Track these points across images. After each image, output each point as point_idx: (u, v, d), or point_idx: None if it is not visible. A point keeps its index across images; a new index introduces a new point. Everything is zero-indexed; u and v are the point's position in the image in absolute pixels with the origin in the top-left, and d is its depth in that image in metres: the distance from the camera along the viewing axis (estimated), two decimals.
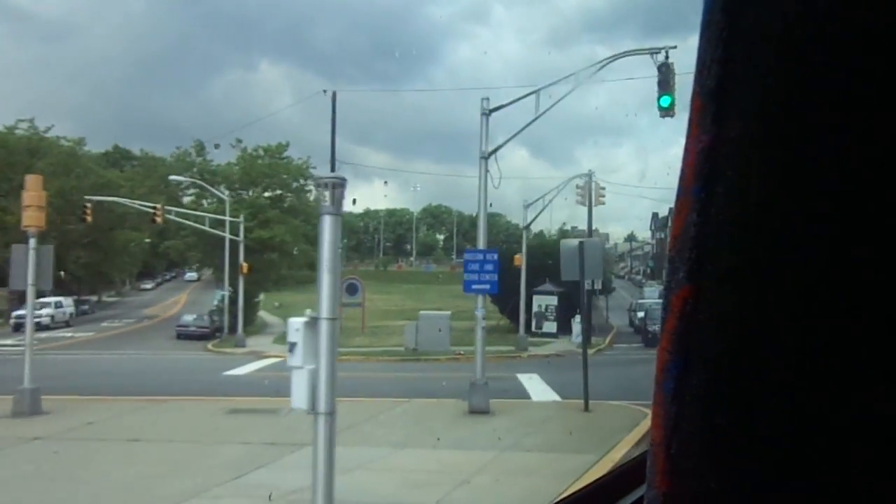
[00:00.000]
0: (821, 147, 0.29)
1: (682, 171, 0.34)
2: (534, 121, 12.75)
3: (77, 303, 57.06)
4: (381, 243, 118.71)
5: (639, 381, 18.76)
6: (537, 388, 16.79)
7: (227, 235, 31.65)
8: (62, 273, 54.51)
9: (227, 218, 32.21)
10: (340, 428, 12.04)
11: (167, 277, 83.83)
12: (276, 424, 11.57)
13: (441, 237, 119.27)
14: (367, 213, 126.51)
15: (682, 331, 0.32)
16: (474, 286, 12.74)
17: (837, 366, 0.28)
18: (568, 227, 36.98)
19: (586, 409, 13.06)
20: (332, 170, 30.95)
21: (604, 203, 26.81)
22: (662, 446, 0.32)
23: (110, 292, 77.74)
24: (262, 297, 66.89)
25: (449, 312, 28.04)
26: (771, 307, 0.30)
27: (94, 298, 67.48)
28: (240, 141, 45.32)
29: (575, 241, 13.44)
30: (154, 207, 28.89)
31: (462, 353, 25.72)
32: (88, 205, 28.93)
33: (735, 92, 0.32)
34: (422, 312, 27.60)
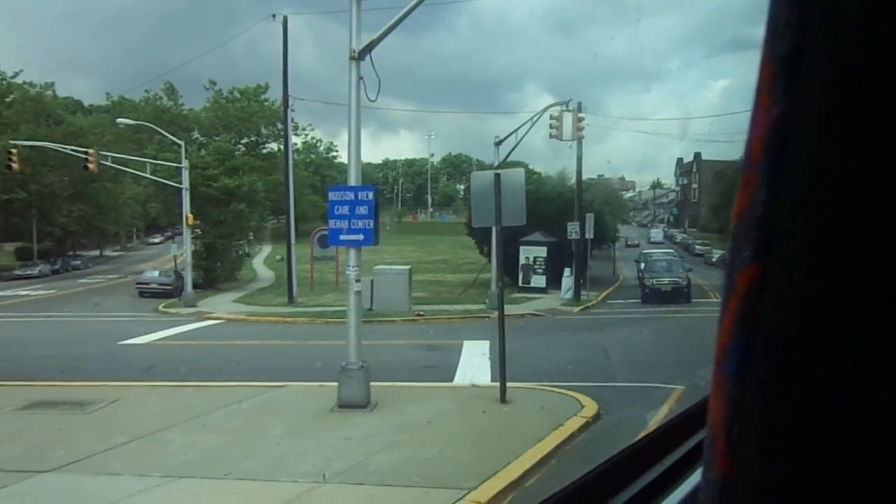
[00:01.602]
0: None
1: (748, 143, 0.32)
2: (419, 3, 9.03)
3: (69, 258, 55.52)
4: (399, 194, 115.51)
5: (609, 349, 15.32)
6: (472, 363, 13.46)
7: (185, 187, 28.46)
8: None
9: (184, 166, 28.98)
10: (134, 435, 8.96)
11: (179, 231, 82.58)
12: (57, 429, 8.50)
13: (461, 187, 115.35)
14: (387, 164, 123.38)
15: (748, 312, 0.31)
16: (342, 237, 9.27)
17: None
18: (568, 172, 32.77)
19: (503, 399, 9.72)
20: (286, 106, 27.45)
21: (583, 136, 22.76)
22: (723, 429, 0.31)
23: (115, 247, 76.64)
24: (259, 248, 64.56)
25: (408, 267, 24.69)
26: (846, 290, 0.28)
27: (95, 253, 66.15)
28: (213, 83, 42.06)
29: (489, 174, 9.82)
30: (86, 152, 25.75)
31: (423, 313, 22.52)
32: (13, 150, 25.84)
33: (811, 60, 0.29)
34: (377, 267, 24.29)
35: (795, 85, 0.30)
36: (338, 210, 9.23)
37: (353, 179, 9.39)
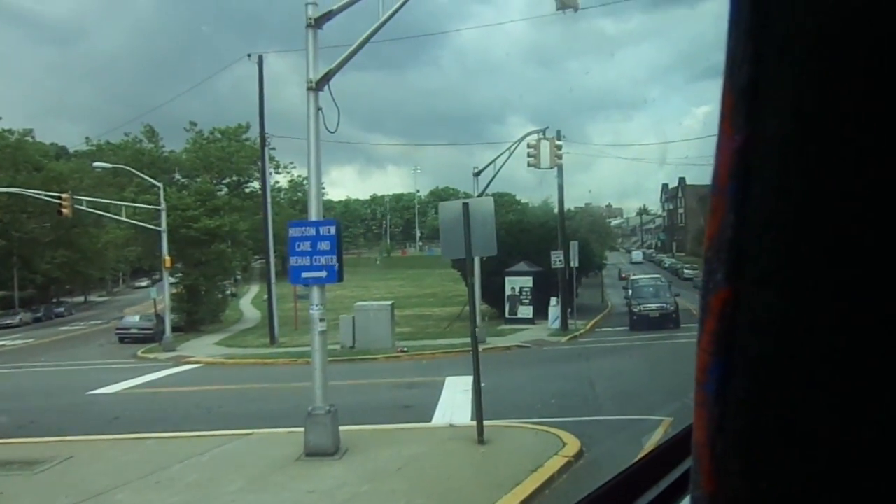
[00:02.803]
0: (861, 144, 0.29)
1: (716, 170, 0.33)
2: (382, 24, 8.76)
3: (52, 305, 54.55)
4: (387, 229, 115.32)
5: (595, 380, 14.79)
6: (453, 400, 12.93)
7: (163, 229, 27.97)
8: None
9: (161, 208, 28.54)
10: (81, 497, 8.19)
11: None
12: None
13: None
14: (375, 199, 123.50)
15: (724, 333, 0.32)
16: (304, 274, 8.83)
17: (884, 366, 0.28)
18: (552, 201, 32.30)
19: (480, 440, 9.20)
20: (262, 144, 27.21)
21: (560, 163, 22.50)
22: (707, 447, 0.32)
23: (101, 292, 75.57)
24: (247, 288, 63.61)
25: (390, 303, 24.16)
26: (814, 309, 0.29)
27: (80, 299, 65.12)
28: (194, 124, 41.94)
29: (457, 204, 9.46)
30: (59, 197, 25.30)
31: (406, 349, 21.95)
32: None
33: (768, 90, 0.31)
34: (358, 304, 23.79)
35: (755, 114, 0.31)
36: (299, 246, 8.80)
37: (313, 214, 8.99)
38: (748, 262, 0.31)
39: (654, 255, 78.82)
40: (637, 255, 75.58)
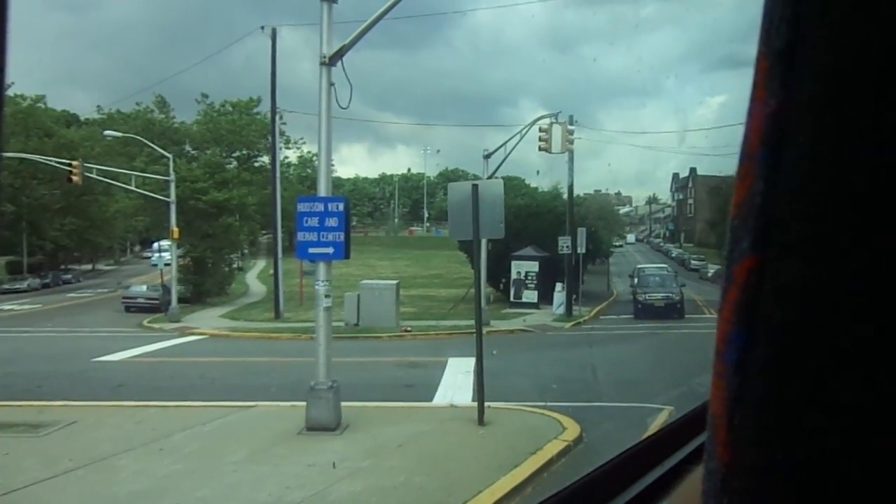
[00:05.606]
0: None
1: (746, 136, 0.32)
2: (397, 1, 8.66)
3: (60, 272, 54.95)
4: (395, 209, 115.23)
5: (597, 367, 14.82)
6: (454, 381, 12.99)
7: (171, 200, 28.05)
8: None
9: (171, 179, 28.59)
10: (83, 461, 8.39)
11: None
12: (3, 454, 8.00)
13: None
14: (384, 178, 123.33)
15: (747, 302, 0.31)
16: (311, 250, 8.84)
17: None
18: (563, 188, 31.97)
19: (480, 422, 9.25)
20: (273, 118, 27.13)
21: (572, 149, 22.34)
22: (724, 418, 0.32)
23: (109, 261, 76.02)
24: (254, 262, 63.93)
25: (396, 282, 24.21)
26: (842, 277, 0.29)
27: (88, 267, 65.55)
28: (205, 96, 41.74)
29: (466, 185, 9.42)
30: (69, 164, 25.34)
31: (410, 328, 22.03)
32: None
33: (806, 53, 0.30)
34: (363, 282, 23.86)
35: (791, 78, 0.30)
36: (307, 222, 8.80)
37: (322, 189, 8.98)
38: (776, 230, 0.30)
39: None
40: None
